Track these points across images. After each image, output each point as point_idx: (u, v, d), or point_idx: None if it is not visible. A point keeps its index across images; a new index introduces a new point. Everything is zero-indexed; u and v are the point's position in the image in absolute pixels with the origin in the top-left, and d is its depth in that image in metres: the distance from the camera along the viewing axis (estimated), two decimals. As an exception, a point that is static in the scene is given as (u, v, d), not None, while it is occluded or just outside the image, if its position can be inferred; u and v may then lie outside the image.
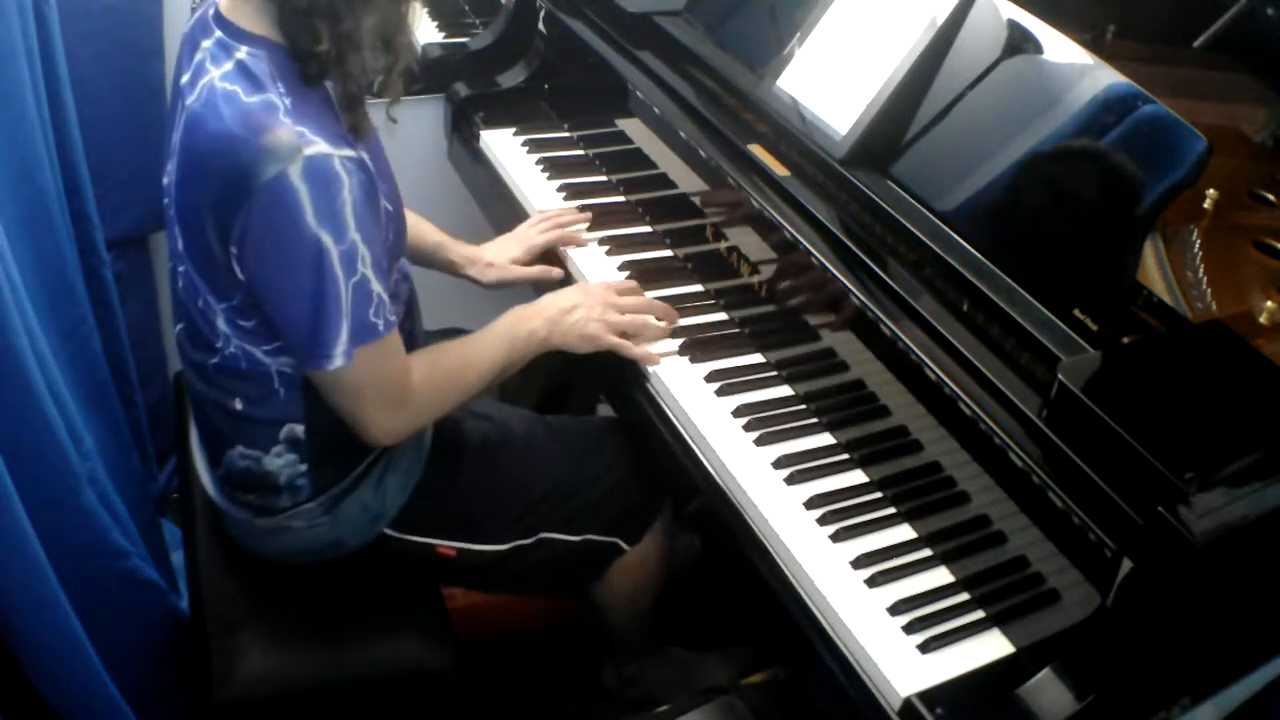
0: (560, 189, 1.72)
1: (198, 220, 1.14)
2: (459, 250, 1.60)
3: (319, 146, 1.08)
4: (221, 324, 1.21)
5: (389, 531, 1.37)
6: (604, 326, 1.39)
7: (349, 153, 1.10)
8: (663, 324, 1.42)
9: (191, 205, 1.15)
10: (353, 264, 1.11)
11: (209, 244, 1.14)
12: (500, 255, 1.59)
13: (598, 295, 1.42)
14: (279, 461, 1.29)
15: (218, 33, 1.14)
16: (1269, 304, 1.20)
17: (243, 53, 1.12)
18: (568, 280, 1.57)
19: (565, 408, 1.66)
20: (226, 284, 1.17)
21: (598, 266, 1.57)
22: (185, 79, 1.17)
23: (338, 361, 1.15)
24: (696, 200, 1.55)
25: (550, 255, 1.62)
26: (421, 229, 1.58)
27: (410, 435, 1.31)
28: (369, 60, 1.14)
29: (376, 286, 1.15)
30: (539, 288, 1.57)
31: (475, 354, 1.35)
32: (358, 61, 1.13)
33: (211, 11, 1.16)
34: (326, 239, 1.09)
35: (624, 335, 1.40)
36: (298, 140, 1.07)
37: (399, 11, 1.15)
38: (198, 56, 1.15)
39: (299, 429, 1.28)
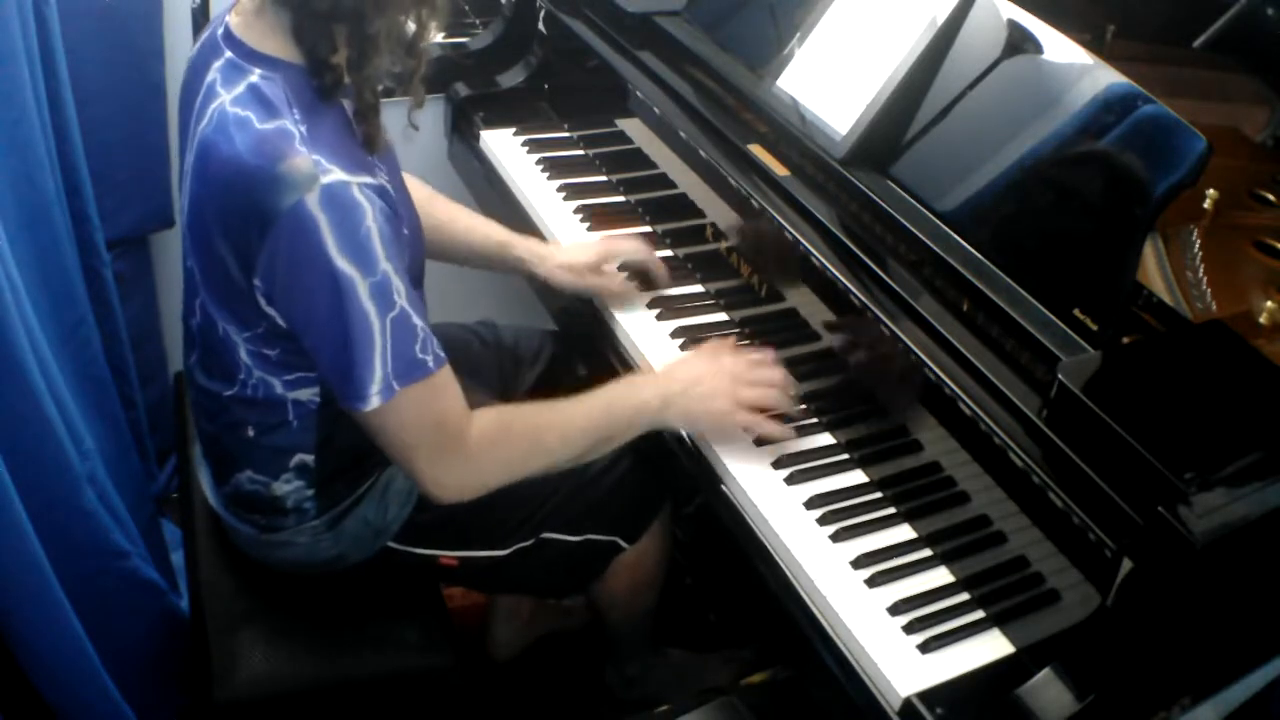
0: (560, 189, 1.72)
1: (212, 249, 1.11)
2: (526, 246, 1.52)
3: (336, 174, 1.03)
4: (243, 355, 1.18)
5: (392, 545, 1.36)
6: (733, 403, 1.25)
7: (368, 179, 1.06)
8: (790, 397, 1.30)
9: (206, 234, 1.12)
10: (388, 297, 1.06)
11: (228, 273, 1.11)
12: (576, 259, 1.49)
13: (728, 366, 1.28)
14: (287, 488, 1.29)
15: (228, 53, 1.10)
16: (1269, 304, 1.19)
17: (255, 76, 1.08)
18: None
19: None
20: (248, 313, 1.13)
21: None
22: (196, 103, 1.12)
23: (374, 402, 1.08)
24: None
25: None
26: (486, 229, 1.53)
27: (473, 496, 1.21)
28: (387, 65, 1.11)
29: (418, 320, 1.09)
30: (602, 304, 1.51)
31: (563, 418, 1.24)
32: (376, 67, 1.09)
33: (221, 31, 1.12)
34: (351, 271, 1.04)
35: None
36: (314, 168, 1.03)
37: (422, 14, 1.11)
38: (208, 78, 1.10)
39: (309, 458, 1.27)
